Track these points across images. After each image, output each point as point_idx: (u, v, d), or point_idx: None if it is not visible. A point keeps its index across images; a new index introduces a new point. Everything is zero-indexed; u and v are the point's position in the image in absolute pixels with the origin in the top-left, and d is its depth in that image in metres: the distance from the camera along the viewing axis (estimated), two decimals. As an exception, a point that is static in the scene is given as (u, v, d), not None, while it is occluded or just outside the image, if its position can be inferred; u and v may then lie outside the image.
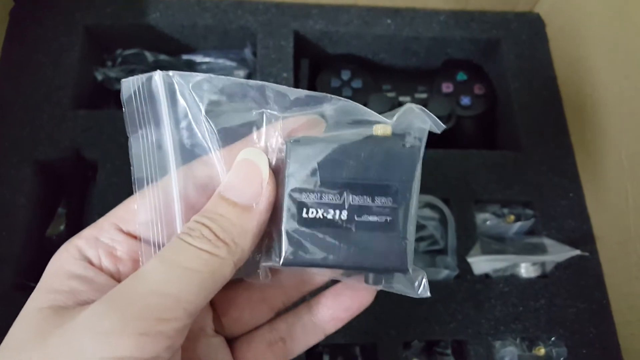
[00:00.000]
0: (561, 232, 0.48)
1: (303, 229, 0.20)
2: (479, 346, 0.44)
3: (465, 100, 0.53)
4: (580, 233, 0.48)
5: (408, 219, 0.21)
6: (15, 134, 0.46)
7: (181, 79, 0.21)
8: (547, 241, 0.47)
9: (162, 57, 0.54)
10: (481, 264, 0.45)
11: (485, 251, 0.46)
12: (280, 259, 0.20)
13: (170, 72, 0.21)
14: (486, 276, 0.47)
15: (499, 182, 0.49)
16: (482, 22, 0.55)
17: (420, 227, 0.48)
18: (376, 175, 0.21)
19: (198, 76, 0.21)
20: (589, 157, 0.49)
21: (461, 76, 0.55)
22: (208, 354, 0.23)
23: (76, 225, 0.46)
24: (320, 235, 0.20)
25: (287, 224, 0.20)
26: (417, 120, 0.21)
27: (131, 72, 0.53)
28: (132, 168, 0.21)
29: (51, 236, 0.44)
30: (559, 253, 0.46)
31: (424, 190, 0.48)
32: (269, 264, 0.21)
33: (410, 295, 0.22)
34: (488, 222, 0.49)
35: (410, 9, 0.54)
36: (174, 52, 0.55)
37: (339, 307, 0.24)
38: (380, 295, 0.44)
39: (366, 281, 0.22)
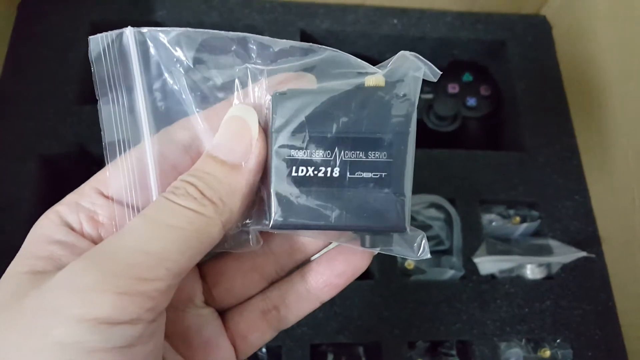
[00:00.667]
0: (567, 234, 0.48)
1: (293, 188, 0.19)
2: (484, 347, 0.44)
3: (471, 101, 0.53)
4: (585, 234, 0.48)
5: (404, 173, 0.19)
6: (20, 128, 0.46)
7: (156, 34, 0.19)
8: (553, 242, 0.47)
9: (168, 54, 0.54)
10: (487, 264, 0.45)
11: (491, 252, 0.46)
12: (269, 222, 0.19)
13: (144, 29, 0.19)
14: (492, 277, 0.46)
15: (504, 183, 0.49)
16: (488, 24, 0.55)
17: (425, 227, 0.48)
18: (369, 127, 0.19)
19: (174, 31, 0.19)
20: (594, 159, 0.49)
21: (467, 77, 0.55)
22: (198, 325, 0.22)
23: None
24: (312, 195, 0.19)
25: (275, 183, 0.19)
26: (411, 68, 0.20)
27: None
28: (102, 133, 0.20)
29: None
30: (564, 254, 0.46)
31: (429, 190, 0.48)
32: (259, 227, 0.20)
33: (410, 258, 0.21)
34: (494, 224, 0.49)
35: (417, 9, 0.54)
36: (180, 50, 0.54)
37: (333, 272, 0.22)
38: (385, 295, 0.44)
39: (362, 244, 0.20)
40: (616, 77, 0.46)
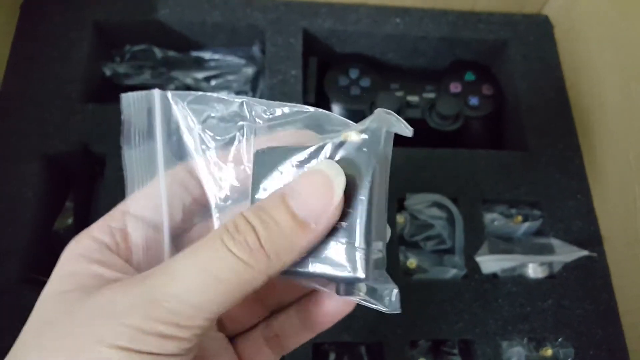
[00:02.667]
0: (568, 233, 0.48)
1: None
2: (486, 346, 0.44)
3: (473, 101, 0.54)
4: (587, 234, 0.48)
5: (363, 224, 0.19)
6: (24, 128, 0.46)
7: (177, 97, 0.22)
8: (555, 242, 0.47)
9: (171, 53, 0.54)
10: (489, 263, 0.45)
11: (493, 251, 0.46)
12: None
13: (168, 93, 0.22)
14: (494, 276, 0.47)
15: (506, 182, 0.49)
16: (490, 23, 0.55)
17: (428, 226, 0.48)
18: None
19: (191, 94, 0.22)
20: (596, 159, 0.49)
21: (469, 76, 0.55)
22: (215, 350, 0.23)
23: (83, 219, 0.46)
24: None
25: None
26: (385, 125, 0.20)
27: (139, 68, 0.54)
28: (125, 174, 0.22)
29: (58, 230, 0.44)
30: (566, 254, 0.46)
31: (431, 189, 0.48)
32: None
33: (381, 310, 0.21)
34: (496, 223, 0.49)
35: (419, 8, 0.55)
36: (182, 49, 0.55)
37: (320, 312, 0.23)
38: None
39: (337, 291, 0.21)
40: (618, 77, 0.47)
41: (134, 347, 0.16)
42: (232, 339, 0.25)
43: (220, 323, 0.25)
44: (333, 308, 0.23)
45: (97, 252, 0.20)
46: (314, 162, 0.20)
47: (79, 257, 0.20)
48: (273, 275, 0.18)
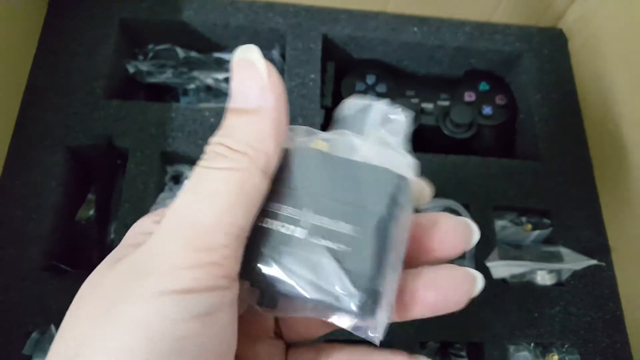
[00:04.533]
0: (577, 242, 0.49)
1: (255, 241, 0.19)
2: (494, 349, 0.45)
3: (487, 110, 0.55)
4: (595, 244, 0.49)
5: (369, 254, 0.18)
6: (49, 120, 0.47)
7: None
8: (564, 250, 0.48)
9: (193, 53, 0.55)
10: (499, 268, 0.46)
11: (503, 257, 0.47)
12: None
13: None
14: (503, 281, 0.48)
15: (517, 190, 0.50)
16: (506, 35, 0.56)
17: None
18: (345, 197, 0.19)
19: None
20: (607, 170, 0.50)
21: (483, 86, 0.56)
22: (269, 354, 0.23)
23: (104, 211, 0.47)
24: (272, 251, 0.19)
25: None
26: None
27: (162, 67, 0.55)
28: None
29: (80, 220, 0.45)
30: (575, 262, 0.47)
31: (444, 194, 0.49)
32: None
33: (369, 339, 0.20)
34: (506, 230, 0.50)
35: (437, 18, 0.56)
36: (204, 50, 0.56)
37: None
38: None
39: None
40: (630, 91, 0.48)
41: (172, 287, 0.16)
42: (287, 351, 0.24)
43: (278, 327, 0.24)
44: None
45: (153, 226, 0.20)
46: (329, 175, 0.19)
47: (132, 233, 0.20)
48: (266, 169, 0.18)
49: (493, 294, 0.46)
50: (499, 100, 0.56)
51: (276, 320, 0.24)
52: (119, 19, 0.52)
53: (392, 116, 0.21)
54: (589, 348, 0.46)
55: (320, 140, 0.20)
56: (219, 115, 0.49)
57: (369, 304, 0.18)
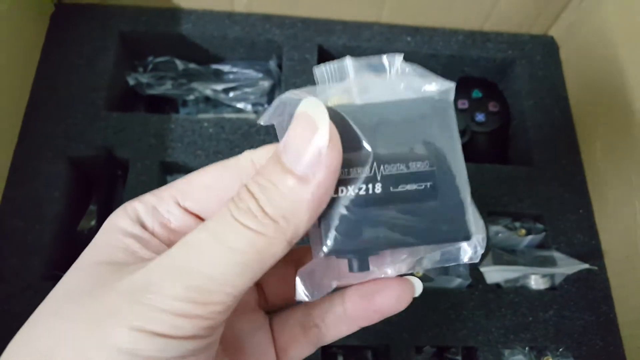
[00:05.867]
0: (570, 246, 0.50)
1: (336, 211, 0.18)
2: (489, 353, 0.45)
3: (480, 117, 0.56)
4: (588, 247, 0.50)
5: (453, 180, 0.18)
6: (51, 131, 0.48)
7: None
8: (557, 254, 0.49)
9: (192, 65, 0.57)
10: (493, 273, 0.47)
11: (497, 262, 0.48)
12: (322, 249, 0.18)
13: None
14: (497, 286, 0.48)
15: (511, 196, 0.51)
16: (498, 43, 0.57)
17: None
18: (405, 138, 0.19)
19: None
20: (598, 175, 0.51)
21: (476, 93, 0.57)
22: (251, 329, 0.23)
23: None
24: (357, 216, 0.18)
25: None
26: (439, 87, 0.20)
27: (161, 79, 0.56)
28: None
29: (82, 230, 0.46)
30: (568, 266, 0.48)
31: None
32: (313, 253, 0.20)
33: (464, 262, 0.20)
34: (500, 235, 0.51)
35: (430, 28, 0.57)
36: (203, 61, 0.57)
37: (369, 306, 0.22)
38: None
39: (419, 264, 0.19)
40: (621, 97, 0.48)
41: (150, 328, 0.16)
42: (270, 321, 0.24)
43: (262, 294, 0.24)
44: (384, 304, 0.21)
45: (135, 228, 0.20)
46: (379, 123, 0.18)
47: (118, 229, 0.20)
48: (292, 240, 0.18)
49: (487, 299, 0.47)
50: (492, 107, 0.56)
51: (259, 288, 0.24)
52: (118, 32, 0.53)
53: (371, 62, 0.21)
54: (583, 351, 0.46)
55: (337, 96, 0.19)
56: (217, 125, 0.50)
57: (466, 228, 0.18)
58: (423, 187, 0.18)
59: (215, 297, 0.17)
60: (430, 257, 0.20)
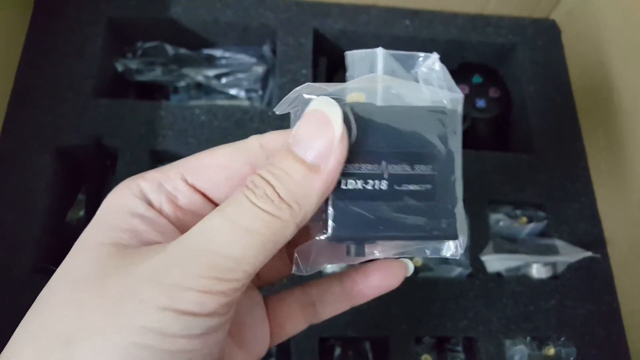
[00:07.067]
0: (573, 235, 0.49)
1: (343, 201, 0.20)
2: (490, 344, 0.44)
3: (480, 103, 0.54)
4: (591, 236, 0.49)
5: (448, 185, 0.21)
6: (38, 121, 0.47)
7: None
8: (559, 243, 0.48)
9: (182, 50, 0.55)
10: (494, 262, 0.46)
11: (498, 250, 0.47)
12: (326, 233, 0.20)
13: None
14: (498, 275, 0.47)
15: (512, 184, 0.50)
16: (499, 27, 0.56)
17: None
18: (414, 142, 0.21)
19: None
20: (601, 162, 0.50)
21: (476, 79, 0.56)
22: (249, 306, 0.24)
23: (94, 211, 0.46)
24: (362, 208, 0.20)
25: (332, 195, 0.20)
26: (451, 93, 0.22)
27: (151, 65, 0.54)
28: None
29: (71, 221, 0.45)
30: (570, 254, 0.47)
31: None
32: (315, 237, 0.21)
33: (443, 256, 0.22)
34: (501, 223, 0.50)
35: (429, 11, 0.55)
36: (194, 46, 0.55)
37: (367, 284, 0.24)
38: (394, 291, 0.45)
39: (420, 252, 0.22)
40: (624, 82, 0.47)
41: (176, 306, 0.17)
42: (266, 299, 0.25)
43: (257, 274, 0.25)
44: (381, 280, 0.24)
45: (141, 206, 0.20)
46: (391, 127, 0.21)
47: (122, 206, 0.20)
48: (300, 223, 0.19)
49: (488, 288, 0.46)
50: (493, 93, 0.55)
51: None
52: (106, 17, 0.51)
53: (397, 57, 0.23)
54: (585, 341, 0.45)
55: (356, 92, 0.21)
56: (209, 112, 0.49)
57: (455, 229, 0.21)
58: (424, 188, 0.21)
59: (235, 274, 0.18)
60: (418, 248, 0.23)
